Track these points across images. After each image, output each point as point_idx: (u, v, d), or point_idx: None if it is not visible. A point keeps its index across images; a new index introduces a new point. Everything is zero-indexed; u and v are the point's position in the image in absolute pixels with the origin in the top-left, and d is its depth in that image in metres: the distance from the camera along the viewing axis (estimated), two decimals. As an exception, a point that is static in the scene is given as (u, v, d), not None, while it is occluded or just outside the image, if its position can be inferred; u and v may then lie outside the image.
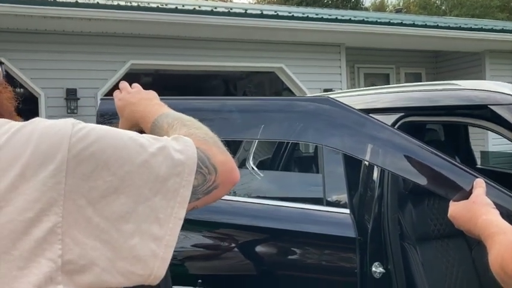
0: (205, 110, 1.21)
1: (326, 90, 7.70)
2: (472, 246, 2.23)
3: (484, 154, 3.76)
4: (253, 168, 3.05)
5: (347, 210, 2.03)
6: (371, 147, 1.17)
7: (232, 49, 7.23)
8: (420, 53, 9.44)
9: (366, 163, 1.92)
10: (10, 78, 6.92)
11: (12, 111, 0.89)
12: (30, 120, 0.71)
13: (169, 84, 10.77)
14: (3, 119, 0.73)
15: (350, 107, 1.26)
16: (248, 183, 2.43)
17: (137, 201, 0.68)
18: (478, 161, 3.23)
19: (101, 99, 1.23)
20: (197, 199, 0.76)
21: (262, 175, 2.84)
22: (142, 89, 1.14)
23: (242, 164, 3.13)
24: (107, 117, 1.20)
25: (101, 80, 6.57)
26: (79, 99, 6.37)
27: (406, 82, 9.52)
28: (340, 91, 3.68)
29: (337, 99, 2.53)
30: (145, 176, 0.70)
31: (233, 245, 2.13)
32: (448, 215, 1.06)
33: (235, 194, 2.24)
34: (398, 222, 2.05)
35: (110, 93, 7.14)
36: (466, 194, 1.07)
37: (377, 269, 1.93)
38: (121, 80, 6.63)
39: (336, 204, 2.10)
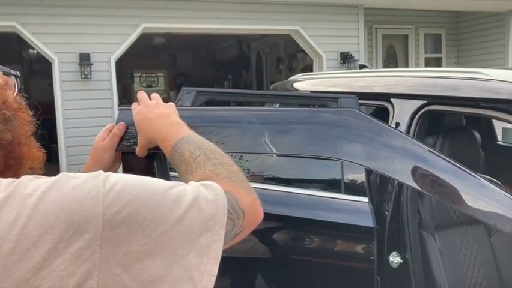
0: (224, 121, 1.17)
1: (342, 53, 7.55)
2: (491, 232, 2.21)
3: (506, 131, 3.68)
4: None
5: (366, 199, 2.00)
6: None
7: (246, 11, 7.05)
8: (441, 12, 9.12)
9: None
10: (23, 43, 6.78)
11: (29, 136, 0.86)
12: (55, 179, 0.68)
13: (182, 45, 10.64)
14: (26, 177, 0.68)
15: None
16: (261, 166, 2.39)
17: (172, 262, 0.67)
18: (499, 138, 3.16)
19: (120, 108, 1.21)
20: (225, 244, 0.75)
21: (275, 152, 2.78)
22: (160, 101, 1.11)
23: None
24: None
25: (114, 44, 6.49)
26: (92, 64, 6.32)
27: (425, 43, 9.27)
28: (356, 71, 3.57)
29: (354, 79, 2.49)
30: (180, 235, 0.68)
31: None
32: None
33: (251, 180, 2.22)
34: (417, 211, 2.02)
35: (123, 57, 7.04)
36: None
37: (395, 258, 1.93)
38: (134, 42, 6.56)
39: (355, 192, 2.08)
